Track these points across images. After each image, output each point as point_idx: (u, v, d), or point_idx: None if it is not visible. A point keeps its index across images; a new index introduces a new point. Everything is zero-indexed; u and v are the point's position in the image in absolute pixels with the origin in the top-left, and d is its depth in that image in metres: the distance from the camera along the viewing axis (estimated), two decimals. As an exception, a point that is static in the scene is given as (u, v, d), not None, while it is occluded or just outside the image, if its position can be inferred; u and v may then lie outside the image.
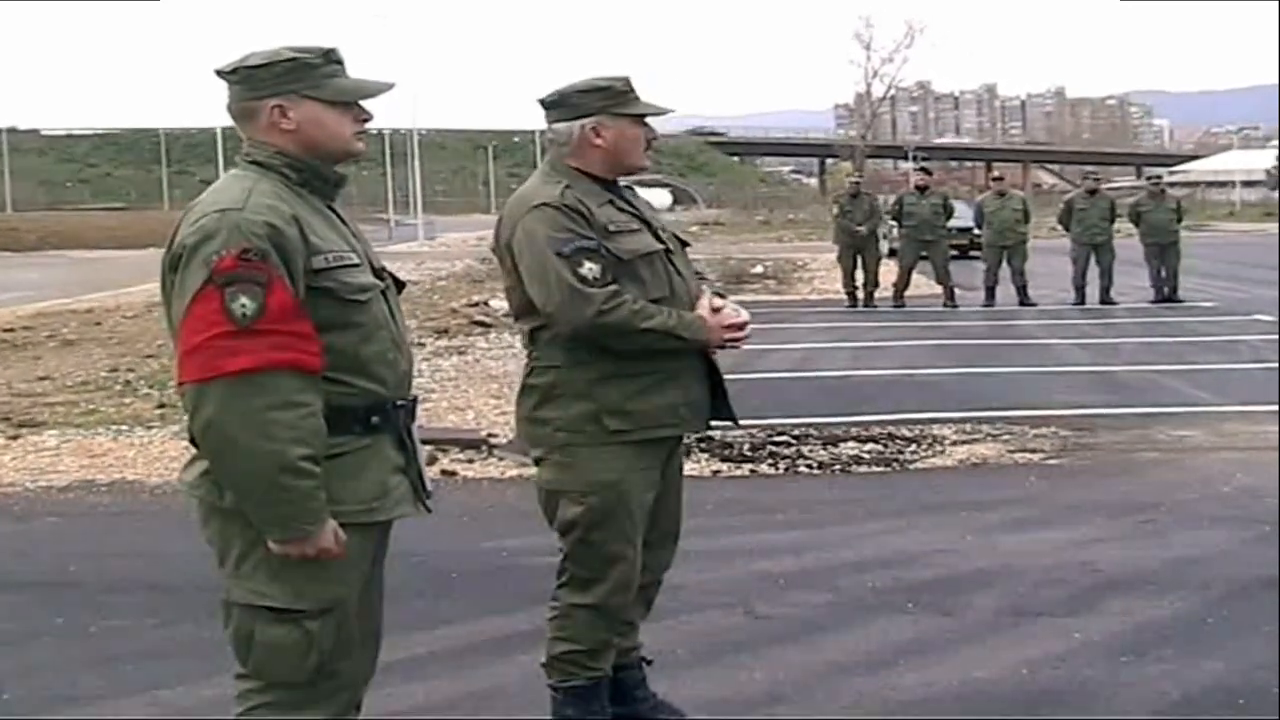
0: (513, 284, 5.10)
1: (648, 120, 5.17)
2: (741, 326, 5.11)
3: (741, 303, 5.41)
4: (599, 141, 5.08)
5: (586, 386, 4.98)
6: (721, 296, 5.25)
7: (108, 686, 6.01)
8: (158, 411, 12.96)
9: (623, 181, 5.22)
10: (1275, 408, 12.46)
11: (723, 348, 5.13)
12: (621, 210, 5.06)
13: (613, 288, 4.86)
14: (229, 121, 4.05)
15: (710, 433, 5.50)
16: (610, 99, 5.08)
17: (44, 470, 10.63)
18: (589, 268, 4.85)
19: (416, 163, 77.04)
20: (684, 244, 5.34)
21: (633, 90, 5.10)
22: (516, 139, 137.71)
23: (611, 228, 4.97)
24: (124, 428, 12.27)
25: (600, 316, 4.83)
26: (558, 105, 5.13)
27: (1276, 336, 18.23)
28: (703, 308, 5.05)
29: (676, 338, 4.94)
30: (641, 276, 4.98)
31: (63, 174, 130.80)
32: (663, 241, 5.11)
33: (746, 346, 5.30)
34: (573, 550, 5.12)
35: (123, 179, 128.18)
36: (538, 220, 4.96)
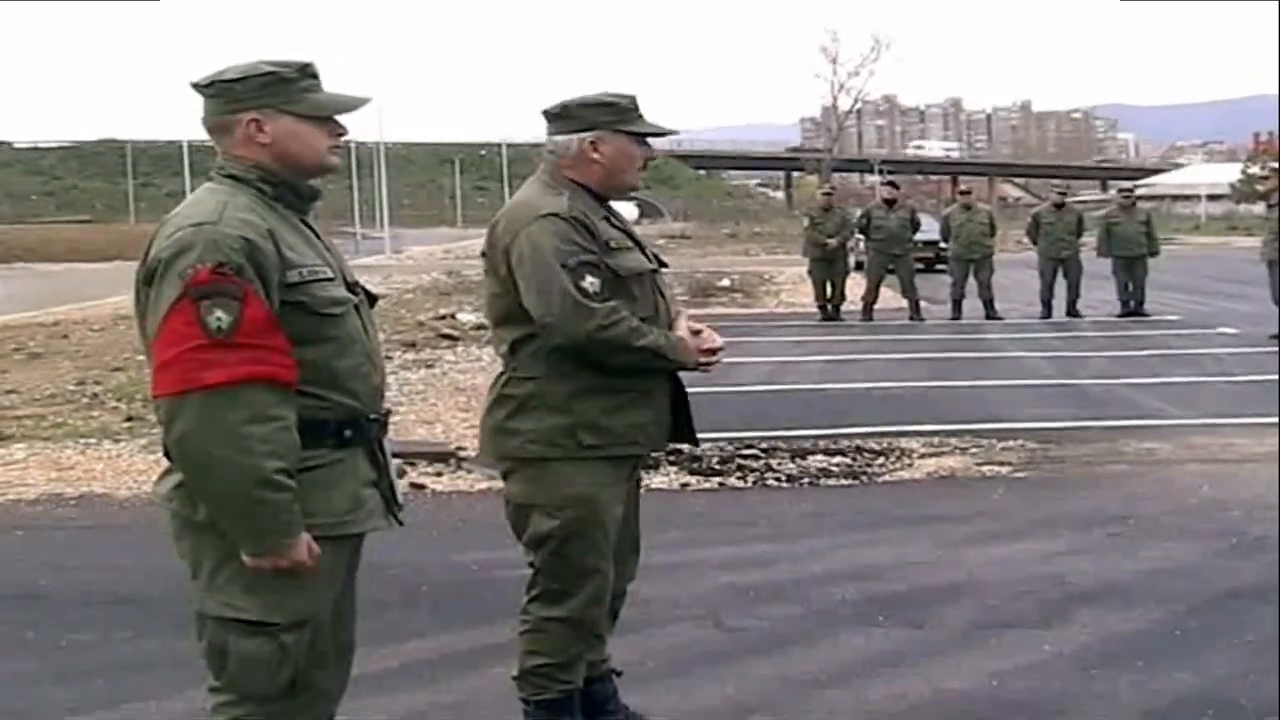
0: (500, 291, 5.06)
1: (649, 141, 5.19)
2: (715, 351, 5.15)
3: (709, 316, 5.45)
4: (596, 156, 5.08)
5: (564, 400, 4.98)
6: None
7: (78, 701, 5.99)
8: (125, 424, 12.93)
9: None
10: (1241, 420, 12.56)
11: (698, 369, 5.16)
12: (615, 227, 5.08)
13: (613, 303, 4.88)
14: (196, 134, 4.10)
15: (678, 446, 5.56)
16: (614, 115, 5.09)
17: (11, 483, 10.59)
18: (591, 281, 4.86)
19: (383, 176, 76.88)
20: (662, 264, 5.35)
21: (637, 109, 5.11)
22: (483, 152, 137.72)
23: (612, 244, 5.00)
24: (92, 440, 12.23)
25: (600, 331, 4.84)
26: (560, 117, 5.13)
27: (1244, 350, 18.36)
28: (682, 329, 5.07)
29: (663, 358, 4.98)
30: (634, 294, 5.01)
31: (29, 187, 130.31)
32: (651, 262, 5.14)
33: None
34: (546, 564, 5.12)
35: (89, 191, 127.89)
36: (545, 230, 4.94)
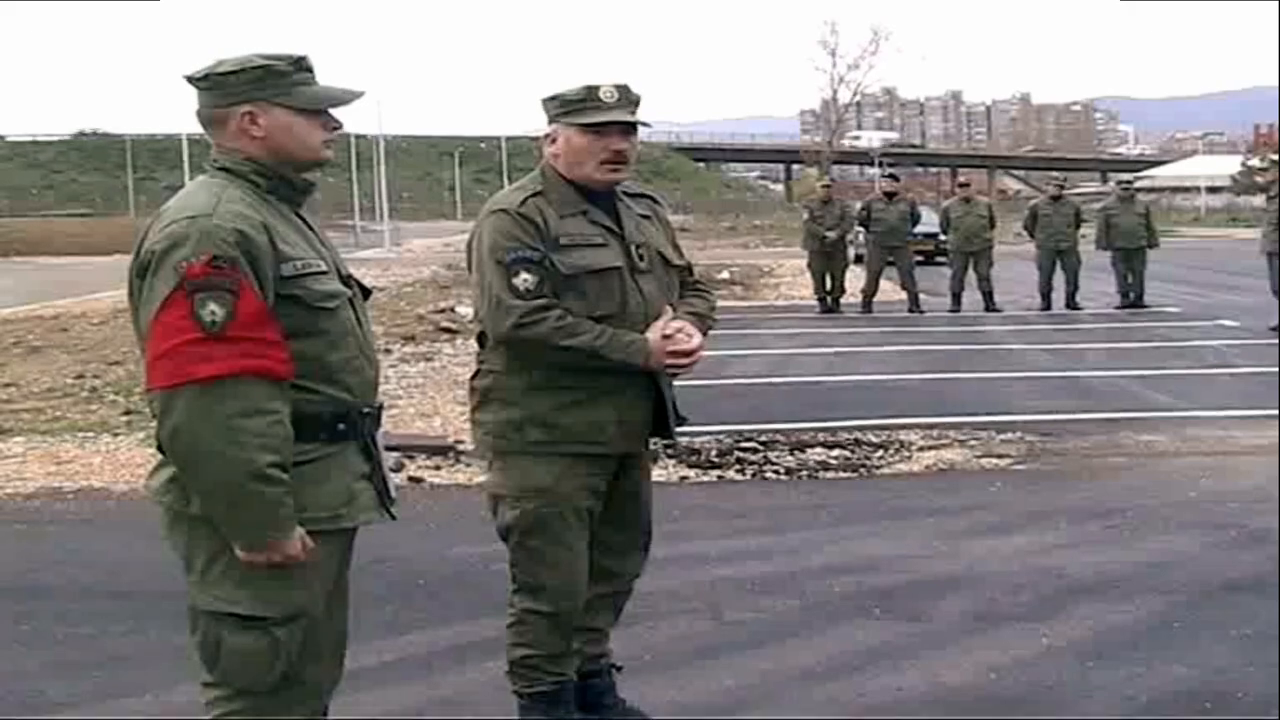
0: None
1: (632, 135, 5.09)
2: (690, 353, 5.04)
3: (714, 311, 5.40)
4: (552, 149, 5.08)
5: (517, 394, 5.00)
6: (703, 319, 5.23)
7: (75, 694, 5.98)
8: (124, 418, 12.91)
9: (624, 187, 5.21)
10: (1241, 413, 12.57)
11: (665, 373, 5.10)
12: (594, 223, 5.04)
13: (541, 301, 4.85)
14: (195, 128, 4.05)
15: (677, 438, 5.53)
16: (560, 107, 5.06)
17: (10, 477, 10.58)
18: (524, 278, 4.85)
19: (382, 169, 76.82)
20: (669, 264, 5.26)
21: (591, 99, 5.00)
22: (483, 145, 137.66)
23: (564, 240, 4.95)
24: (90, 434, 12.23)
25: (517, 329, 4.84)
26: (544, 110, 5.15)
27: (1244, 342, 18.36)
28: (653, 330, 4.99)
29: (602, 358, 4.91)
30: (586, 292, 4.95)
31: (28, 180, 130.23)
32: (631, 258, 5.07)
33: (715, 352, 5.28)
34: (515, 555, 5.15)
35: (88, 185, 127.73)
36: (489, 226, 4.99)
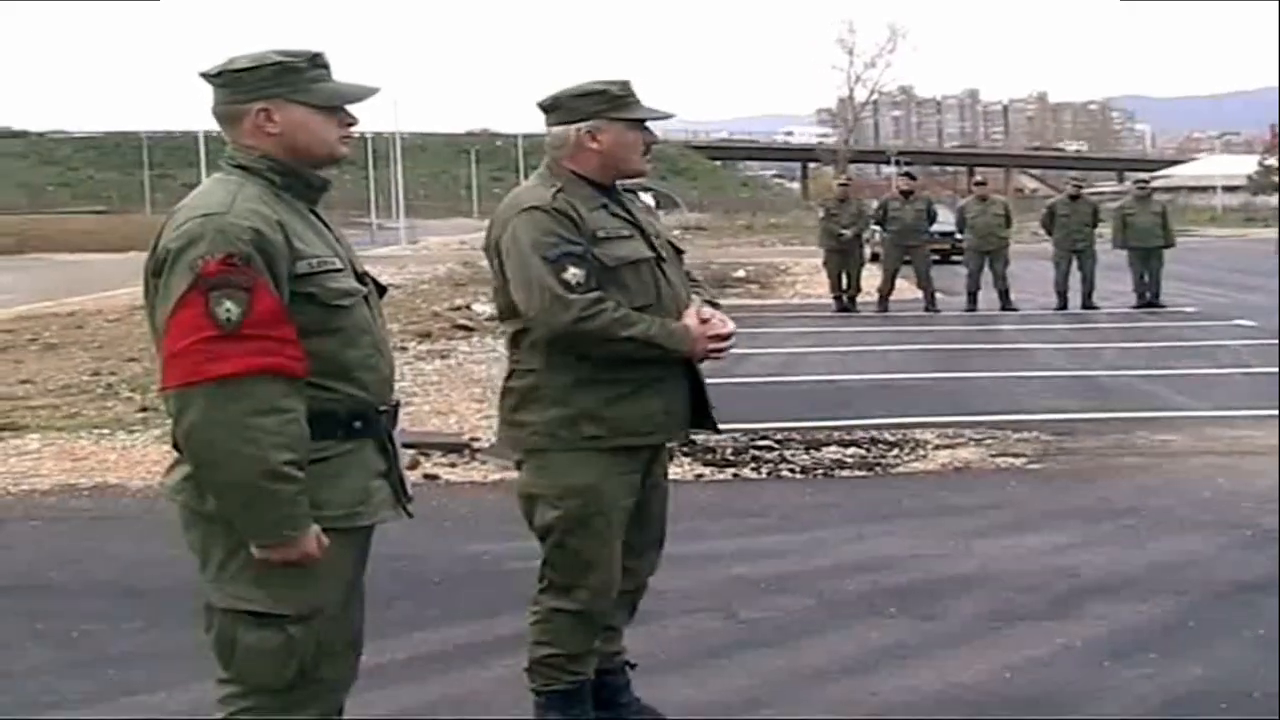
0: (500, 285, 5.09)
1: (648, 125, 5.16)
2: (727, 337, 5.09)
3: (724, 307, 5.42)
4: (594, 146, 5.06)
5: (564, 391, 4.97)
6: (715, 305, 5.25)
7: (89, 691, 6.00)
8: (140, 415, 12.92)
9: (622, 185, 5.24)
10: (1256, 413, 12.52)
11: (705, 358, 5.12)
12: (615, 215, 5.05)
13: (595, 294, 4.84)
14: (211, 125, 4.05)
15: (692, 437, 5.51)
16: (606, 103, 5.06)
17: (25, 474, 10.60)
18: (573, 273, 4.84)
19: (399, 166, 76.92)
20: (678, 251, 5.33)
21: (630, 94, 5.08)
22: (499, 142, 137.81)
23: (600, 233, 4.96)
24: (106, 431, 12.24)
25: (579, 323, 4.82)
26: (554, 109, 5.12)
27: (1261, 342, 18.31)
28: (689, 317, 5.02)
29: (656, 346, 4.92)
30: (626, 283, 4.96)
31: (44, 177, 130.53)
32: (655, 249, 5.10)
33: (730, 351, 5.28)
34: (551, 555, 5.12)
35: (104, 182, 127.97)
36: (525, 223, 4.95)
